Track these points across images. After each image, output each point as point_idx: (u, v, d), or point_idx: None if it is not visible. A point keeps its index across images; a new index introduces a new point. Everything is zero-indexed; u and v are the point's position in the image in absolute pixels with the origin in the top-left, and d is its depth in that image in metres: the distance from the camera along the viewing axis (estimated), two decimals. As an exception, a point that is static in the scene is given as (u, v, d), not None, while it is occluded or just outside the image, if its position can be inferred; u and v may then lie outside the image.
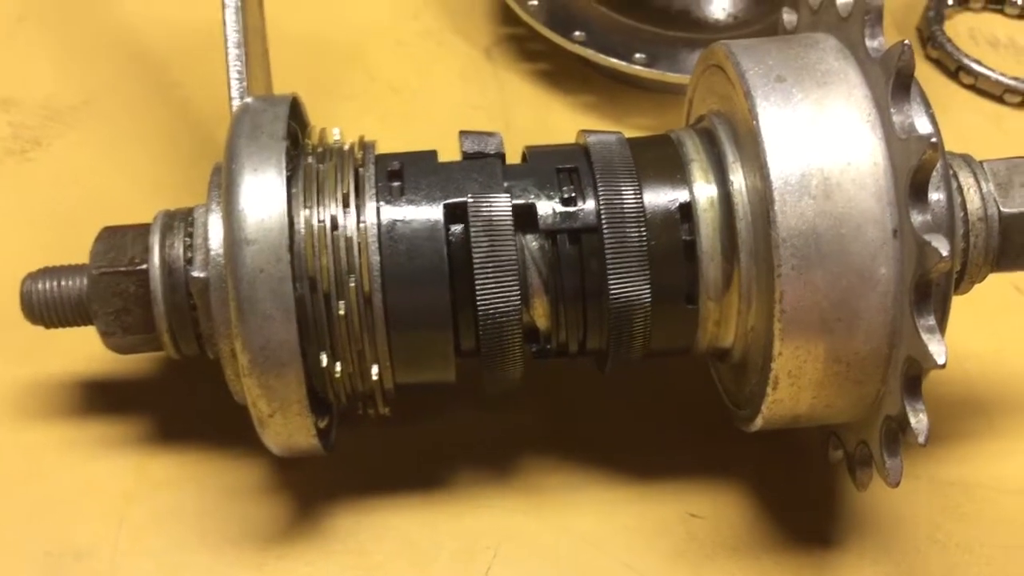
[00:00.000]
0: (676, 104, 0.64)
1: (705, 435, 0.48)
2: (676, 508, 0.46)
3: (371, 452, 0.47)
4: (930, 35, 0.69)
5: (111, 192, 0.56)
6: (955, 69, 0.67)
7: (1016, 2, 0.72)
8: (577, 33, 0.61)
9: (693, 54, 0.62)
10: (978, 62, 0.67)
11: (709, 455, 0.47)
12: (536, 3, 0.63)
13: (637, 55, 0.60)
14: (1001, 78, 0.66)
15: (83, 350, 0.48)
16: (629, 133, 0.62)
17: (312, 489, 0.46)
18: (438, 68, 0.66)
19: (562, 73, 0.65)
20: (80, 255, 0.46)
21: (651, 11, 0.63)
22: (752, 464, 0.47)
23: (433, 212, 0.40)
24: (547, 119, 0.63)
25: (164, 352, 0.43)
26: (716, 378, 0.47)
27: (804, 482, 0.47)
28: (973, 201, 0.42)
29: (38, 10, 0.67)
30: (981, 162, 0.44)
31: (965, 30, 0.71)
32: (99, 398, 0.48)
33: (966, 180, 0.43)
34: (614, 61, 0.60)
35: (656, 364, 0.45)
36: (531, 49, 0.67)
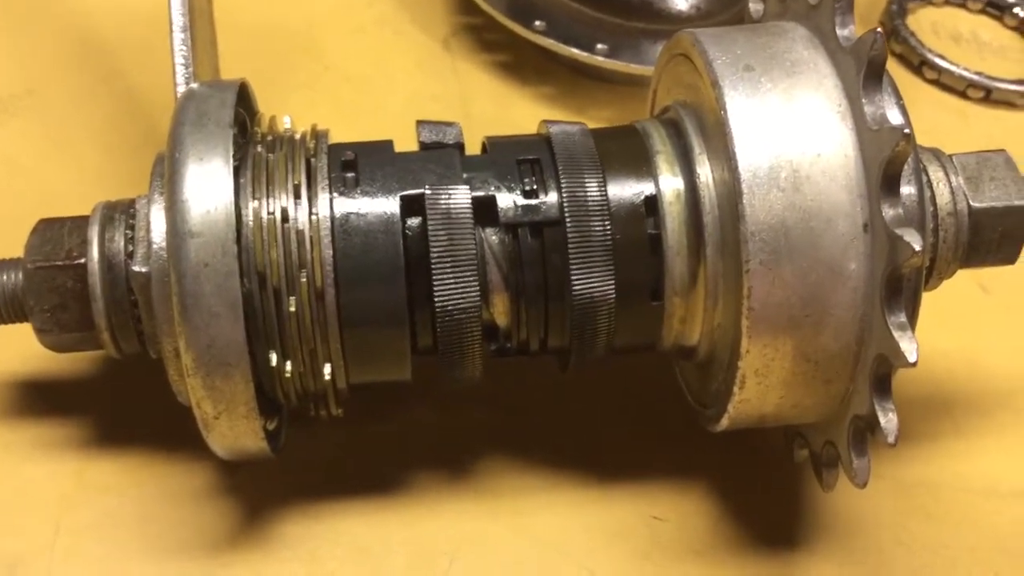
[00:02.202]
0: (638, 96, 0.63)
1: (668, 436, 0.47)
2: (639, 510, 0.45)
3: (322, 454, 0.45)
4: (893, 29, 0.69)
5: (54, 183, 0.54)
6: (919, 64, 0.67)
7: (978, -3, 0.72)
8: (538, 23, 0.60)
9: (655, 45, 0.60)
10: (942, 57, 0.66)
11: (672, 456, 0.46)
12: (496, -9, 0.62)
13: (599, 46, 0.59)
14: (964, 73, 0.66)
15: (18, 348, 0.45)
16: (591, 125, 0.61)
17: (260, 493, 0.44)
18: (394, 58, 0.64)
19: (522, 64, 0.64)
20: (20, 248, 0.44)
21: (613, 1, 0.61)
22: (716, 465, 0.46)
23: (389, 204, 0.39)
24: (507, 111, 0.62)
25: (104, 351, 0.41)
26: (680, 377, 0.46)
27: (769, 483, 0.46)
28: (943, 195, 0.41)
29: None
30: (950, 156, 0.43)
31: (928, 24, 0.71)
32: (35, 399, 0.46)
33: (935, 174, 0.42)
34: (575, 51, 0.59)
35: (618, 363, 0.44)
36: (490, 40, 0.65)
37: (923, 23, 0.71)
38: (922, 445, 0.48)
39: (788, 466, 0.45)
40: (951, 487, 0.47)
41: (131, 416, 0.45)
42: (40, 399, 0.46)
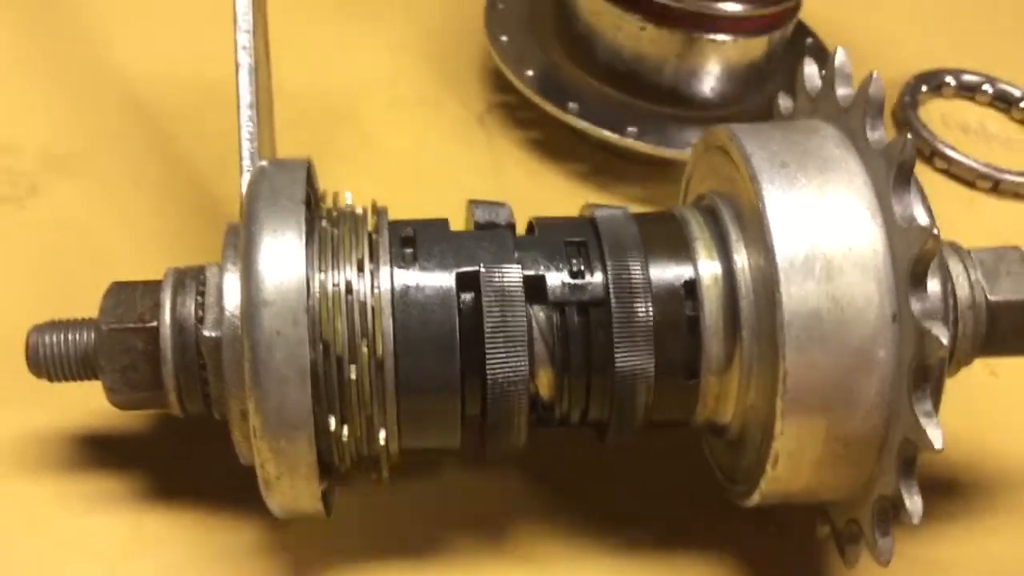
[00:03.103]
0: (662, 175, 0.66)
1: (695, 508, 0.49)
2: (667, 580, 0.47)
3: (366, 514, 0.47)
4: (905, 120, 0.72)
5: (108, 243, 0.56)
6: (929, 154, 0.70)
7: (986, 91, 0.75)
8: (571, 105, 0.63)
9: (682, 130, 0.63)
10: (952, 148, 0.69)
11: (699, 528, 0.48)
12: (532, 74, 0.65)
13: (630, 129, 0.62)
14: (974, 164, 0.69)
15: (80, 402, 0.47)
16: (618, 201, 0.64)
17: (308, 551, 0.45)
18: (431, 131, 0.67)
19: (552, 142, 0.67)
20: (75, 306, 0.46)
21: (642, 87, 0.64)
22: (741, 537, 0.48)
23: (445, 280, 0.41)
24: (539, 186, 0.64)
25: (167, 409, 0.43)
26: (708, 452, 0.48)
27: (793, 556, 0.48)
28: (962, 288, 0.44)
29: (36, 56, 0.67)
30: (968, 251, 0.45)
31: (938, 116, 0.74)
32: (95, 452, 0.47)
33: (955, 268, 0.44)
34: (608, 134, 0.62)
35: (651, 436, 0.46)
36: (523, 117, 0.68)
37: (933, 114, 0.74)
38: (934, 524, 0.50)
39: (811, 540, 0.47)
40: (965, 567, 0.49)
41: (187, 472, 0.47)
42: (100, 452, 0.47)
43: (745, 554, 0.47)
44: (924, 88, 0.75)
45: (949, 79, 0.75)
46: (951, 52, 0.78)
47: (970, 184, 0.69)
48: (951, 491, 0.52)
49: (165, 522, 0.46)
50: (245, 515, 0.46)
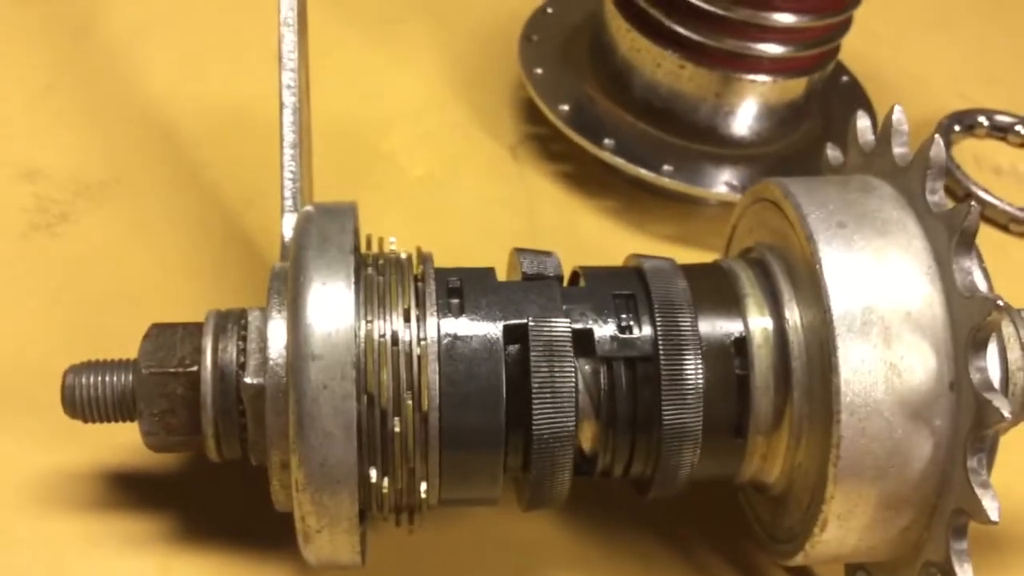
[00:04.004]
0: (696, 214, 0.66)
1: (730, 560, 0.48)
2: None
3: (399, 561, 0.46)
4: (939, 161, 0.71)
5: (138, 272, 0.56)
6: (963, 196, 0.69)
7: (1019, 132, 0.75)
8: (607, 141, 0.62)
9: (717, 168, 0.63)
10: (986, 190, 0.69)
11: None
12: (566, 108, 0.64)
13: (665, 167, 0.61)
14: (1008, 207, 0.68)
15: (109, 440, 0.47)
16: (650, 240, 0.63)
17: (339, 600, 0.45)
18: (464, 162, 0.66)
19: (584, 176, 0.66)
20: (103, 337, 0.46)
21: (678, 124, 0.63)
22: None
23: (493, 332, 0.40)
24: (570, 220, 0.64)
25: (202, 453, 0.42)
26: (747, 507, 0.47)
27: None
28: (1014, 351, 0.43)
29: (67, 81, 0.66)
30: (1019, 310, 0.45)
31: (971, 156, 0.73)
32: (124, 491, 0.47)
33: (1006, 329, 0.43)
34: (643, 172, 0.61)
35: (689, 487, 0.45)
36: (554, 150, 0.67)
37: (966, 154, 0.73)
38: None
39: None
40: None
41: (217, 515, 0.46)
42: (129, 492, 0.47)
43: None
44: (957, 128, 0.74)
45: (982, 119, 0.75)
46: (984, 92, 0.77)
47: (1003, 227, 0.68)
48: (987, 545, 0.51)
49: (194, 565, 0.45)
50: (276, 559, 0.45)
